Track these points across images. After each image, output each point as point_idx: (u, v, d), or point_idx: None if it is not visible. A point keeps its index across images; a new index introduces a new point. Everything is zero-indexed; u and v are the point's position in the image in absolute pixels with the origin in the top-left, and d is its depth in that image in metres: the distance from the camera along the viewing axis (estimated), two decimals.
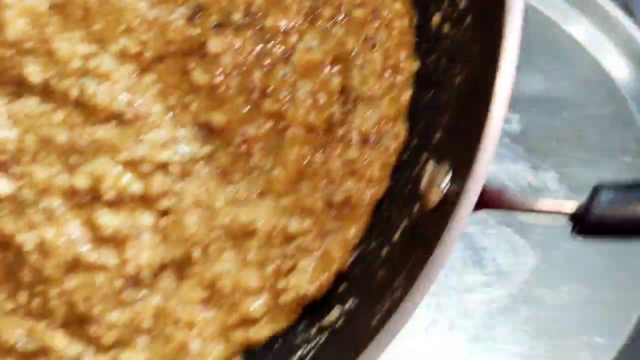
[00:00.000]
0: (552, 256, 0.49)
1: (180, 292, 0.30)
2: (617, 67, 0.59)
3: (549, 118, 0.56)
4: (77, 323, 0.29)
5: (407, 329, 0.46)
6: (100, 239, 0.29)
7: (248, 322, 0.31)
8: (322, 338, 0.31)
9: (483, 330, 0.46)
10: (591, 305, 0.47)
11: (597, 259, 0.49)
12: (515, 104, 0.58)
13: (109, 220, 0.29)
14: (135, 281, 0.30)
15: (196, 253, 0.30)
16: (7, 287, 0.30)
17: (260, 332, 0.31)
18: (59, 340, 0.29)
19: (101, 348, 0.29)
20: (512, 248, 0.49)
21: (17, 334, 0.29)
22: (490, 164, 0.55)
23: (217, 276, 0.30)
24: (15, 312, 0.29)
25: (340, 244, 0.31)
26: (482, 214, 0.50)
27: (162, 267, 0.30)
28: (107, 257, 0.29)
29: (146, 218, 0.30)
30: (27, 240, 0.29)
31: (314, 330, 0.31)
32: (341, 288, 0.31)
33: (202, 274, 0.30)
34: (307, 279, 0.30)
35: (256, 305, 0.30)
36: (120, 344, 0.29)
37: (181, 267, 0.30)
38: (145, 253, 0.29)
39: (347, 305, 0.31)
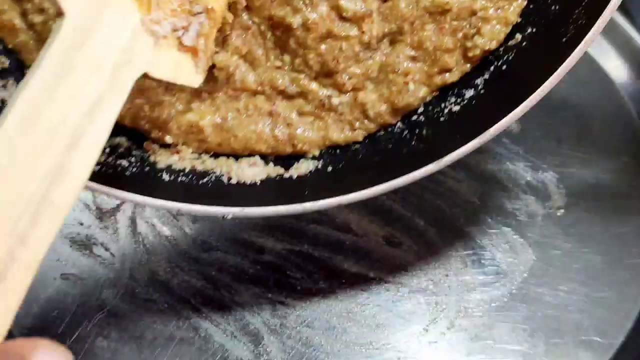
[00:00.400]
0: (551, 255, 0.49)
1: (395, 51, 0.43)
2: (616, 68, 0.59)
3: (548, 118, 0.56)
4: (326, 75, 0.43)
5: (406, 328, 0.46)
6: (344, 18, 0.42)
7: (445, 70, 0.43)
8: (512, 55, 0.42)
9: (482, 329, 0.46)
10: (590, 304, 0.47)
11: (595, 258, 0.49)
12: None
13: (350, 5, 0.42)
14: (367, 46, 0.43)
15: (406, 26, 0.43)
16: (275, 52, 0.43)
17: (453, 76, 0.43)
18: (314, 86, 0.43)
19: (343, 91, 0.43)
20: (511, 247, 0.50)
21: (285, 81, 0.43)
22: (489, 164, 0.56)
23: (422, 40, 0.43)
24: (282, 67, 0.43)
25: (512, 11, 0.42)
26: (481, 214, 0.51)
27: (383, 36, 0.43)
28: (350, 30, 0.42)
29: (374, 3, 0.42)
30: (294, 21, 0.42)
31: (501, 50, 0.43)
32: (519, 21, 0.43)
33: (411, 39, 0.43)
34: (488, 38, 0.42)
35: (451, 59, 0.43)
36: (357, 88, 0.43)
37: (395, 35, 0.43)
38: (374, 27, 0.42)
39: (527, 32, 0.42)
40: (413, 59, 0.43)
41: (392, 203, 0.51)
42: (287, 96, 0.44)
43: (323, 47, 0.43)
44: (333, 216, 0.51)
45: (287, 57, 0.43)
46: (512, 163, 0.54)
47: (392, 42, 0.43)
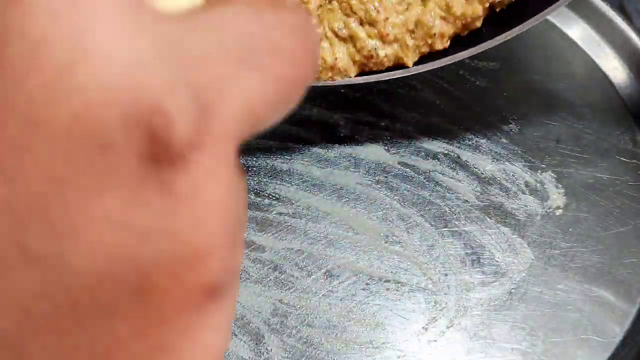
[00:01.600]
0: (550, 255, 0.50)
1: (428, 9, 0.47)
2: (614, 68, 0.60)
3: (547, 119, 0.56)
4: (370, 24, 0.46)
5: (405, 327, 0.46)
6: None
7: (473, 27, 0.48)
8: None
9: (482, 328, 0.46)
10: (588, 303, 0.48)
11: (594, 257, 0.49)
12: (513, 104, 0.59)
13: None
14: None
15: None
16: None
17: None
18: (362, 34, 0.46)
19: (387, 42, 0.47)
20: (510, 247, 0.50)
21: (338, 25, 0.46)
22: (489, 164, 0.56)
23: (449, 5, 0.47)
24: (333, 10, 0.47)
25: None
26: (480, 213, 0.51)
27: None
28: None
29: None
30: None
31: None
32: None
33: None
34: None
35: (479, 21, 0.48)
36: (397, 40, 0.47)
37: None
38: None
39: None
40: (444, 19, 0.47)
41: (391, 201, 0.52)
42: (341, 39, 0.47)
43: None
44: (332, 214, 0.51)
45: (335, 3, 0.47)
46: (511, 163, 0.54)
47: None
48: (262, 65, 0.15)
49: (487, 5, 0.47)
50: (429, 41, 0.47)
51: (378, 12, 0.46)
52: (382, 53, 0.47)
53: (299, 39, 0.16)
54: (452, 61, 0.48)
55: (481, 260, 0.49)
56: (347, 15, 0.46)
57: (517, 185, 0.53)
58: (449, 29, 0.47)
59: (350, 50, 0.47)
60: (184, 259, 0.14)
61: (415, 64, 0.49)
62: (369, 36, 0.46)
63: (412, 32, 0.47)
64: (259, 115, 0.15)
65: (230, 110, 0.14)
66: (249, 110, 0.15)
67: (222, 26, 0.15)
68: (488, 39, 0.48)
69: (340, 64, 0.47)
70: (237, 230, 0.15)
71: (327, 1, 0.47)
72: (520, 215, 0.51)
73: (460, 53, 0.48)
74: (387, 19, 0.46)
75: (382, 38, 0.46)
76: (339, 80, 0.48)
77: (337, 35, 0.47)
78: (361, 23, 0.46)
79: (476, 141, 0.55)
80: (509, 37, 0.47)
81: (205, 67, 0.14)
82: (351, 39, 0.47)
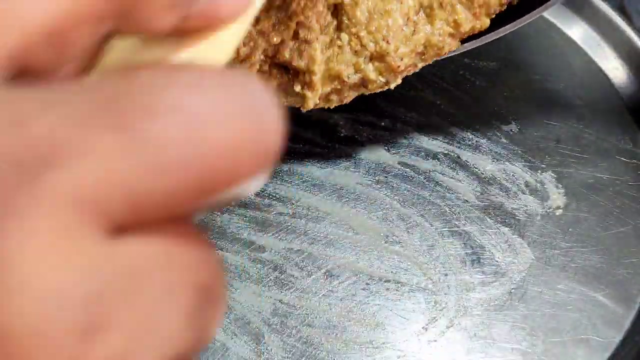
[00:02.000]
0: (550, 255, 0.50)
1: (434, 28, 0.45)
2: (614, 68, 0.60)
3: (546, 119, 0.56)
4: (380, 58, 0.44)
5: (405, 327, 0.46)
6: None
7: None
8: None
9: (482, 328, 0.46)
10: (588, 303, 0.48)
11: (594, 257, 0.50)
12: (513, 104, 0.59)
13: None
14: (407, 18, 0.44)
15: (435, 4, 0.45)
16: (330, 29, 0.44)
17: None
18: (373, 75, 0.44)
19: (398, 72, 0.44)
20: (510, 247, 0.50)
21: (348, 73, 0.44)
22: (489, 164, 0.56)
23: (458, 23, 0.45)
24: (342, 48, 0.44)
25: None
26: (480, 213, 0.51)
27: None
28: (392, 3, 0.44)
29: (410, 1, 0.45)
30: None
31: None
32: None
33: (446, 18, 0.45)
34: None
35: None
36: (410, 67, 0.45)
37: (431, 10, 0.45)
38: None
39: None
40: (452, 36, 0.46)
41: (391, 201, 0.52)
42: (350, 87, 0.45)
43: (374, 25, 0.43)
44: (332, 214, 0.51)
45: (344, 38, 0.44)
46: (511, 163, 0.54)
47: (429, 16, 0.45)
48: (128, 125, 0.13)
49: (493, 16, 0.46)
50: (438, 59, 0.46)
51: (388, 42, 0.43)
52: (393, 86, 0.45)
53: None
54: (451, 55, 0.47)
55: (481, 260, 0.49)
56: (357, 53, 0.44)
57: (517, 185, 0.53)
58: (456, 44, 0.46)
59: (361, 91, 0.45)
60: None
61: None
62: (380, 74, 0.44)
63: (422, 54, 0.45)
64: (139, 191, 0.13)
65: (67, 172, 0.12)
66: (110, 180, 0.12)
67: (80, 90, 0.13)
68: (485, 35, 0.47)
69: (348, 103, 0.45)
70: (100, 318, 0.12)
71: (337, 37, 0.44)
72: (520, 215, 0.51)
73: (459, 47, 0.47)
74: (397, 48, 0.44)
75: (394, 71, 0.44)
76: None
77: (346, 84, 0.44)
78: (371, 59, 0.44)
79: (476, 141, 0.55)
80: (504, 33, 0.47)
81: (38, 125, 0.12)
82: (362, 82, 0.44)
